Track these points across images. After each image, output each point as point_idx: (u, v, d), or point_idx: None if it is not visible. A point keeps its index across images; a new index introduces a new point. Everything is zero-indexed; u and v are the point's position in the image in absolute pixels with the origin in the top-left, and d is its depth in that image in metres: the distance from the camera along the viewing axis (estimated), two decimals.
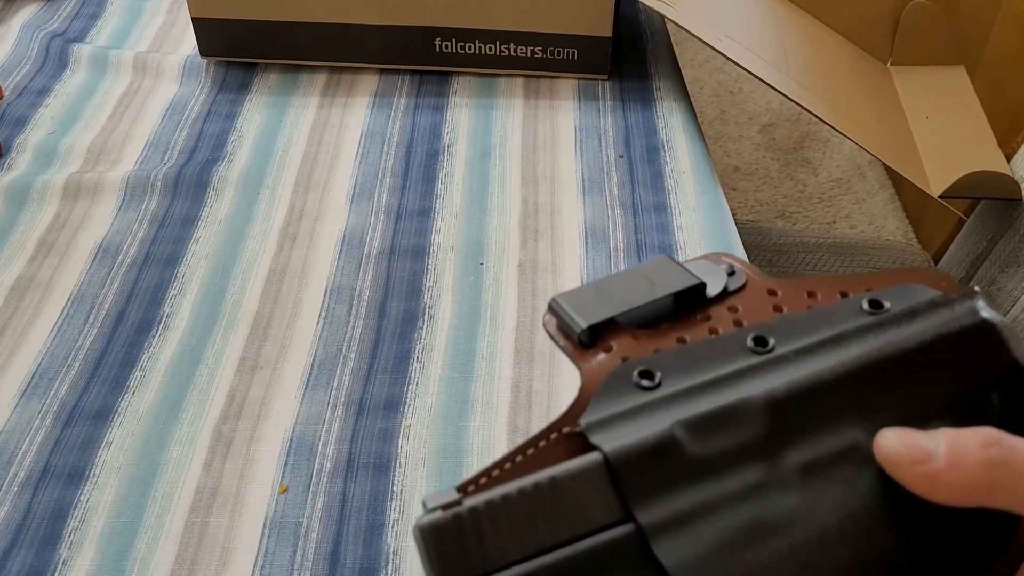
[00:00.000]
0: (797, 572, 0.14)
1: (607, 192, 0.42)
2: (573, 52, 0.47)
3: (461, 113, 0.46)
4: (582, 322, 0.18)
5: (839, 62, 0.54)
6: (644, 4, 0.43)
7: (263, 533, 0.28)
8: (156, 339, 0.35)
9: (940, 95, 0.55)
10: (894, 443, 0.15)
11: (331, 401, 0.32)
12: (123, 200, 0.41)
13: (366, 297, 0.36)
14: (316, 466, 0.30)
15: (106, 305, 0.36)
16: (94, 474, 0.30)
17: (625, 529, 0.15)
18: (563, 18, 0.46)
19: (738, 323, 0.18)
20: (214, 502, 0.29)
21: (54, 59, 0.50)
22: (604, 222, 0.40)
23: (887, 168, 0.54)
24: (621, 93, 0.47)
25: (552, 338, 0.18)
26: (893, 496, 0.15)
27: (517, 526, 0.15)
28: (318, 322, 0.35)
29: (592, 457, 0.15)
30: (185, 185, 0.42)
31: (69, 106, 0.47)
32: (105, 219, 0.40)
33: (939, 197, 0.48)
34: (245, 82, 0.48)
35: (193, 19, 0.47)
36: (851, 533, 0.15)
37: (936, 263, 0.60)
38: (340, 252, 0.39)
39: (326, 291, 0.37)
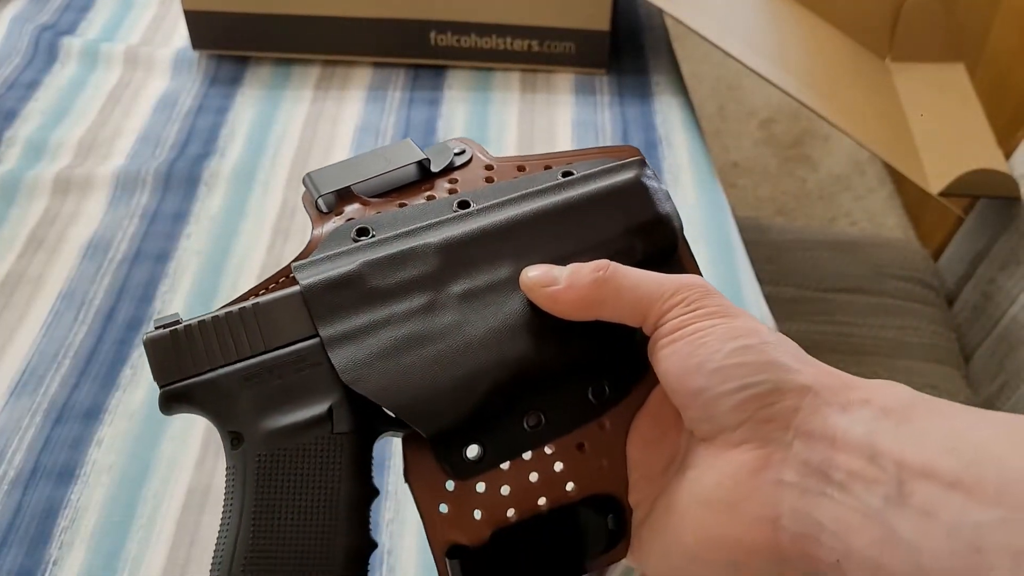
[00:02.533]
0: (442, 370, 0.19)
1: None
2: (570, 46, 0.47)
3: (456, 107, 0.46)
4: (320, 190, 0.21)
5: (838, 58, 0.54)
6: None
7: None
8: None
9: (939, 92, 0.55)
10: (532, 273, 0.20)
11: None
12: (114, 195, 0.41)
13: None
14: None
15: (96, 301, 0.36)
16: (85, 473, 0.30)
17: (311, 342, 0.19)
18: (560, 11, 0.45)
19: (453, 191, 0.22)
20: (207, 501, 0.29)
21: (44, 52, 0.49)
22: None
23: (887, 165, 0.54)
24: (619, 88, 0.47)
25: (305, 207, 0.21)
26: (531, 314, 0.19)
27: (224, 340, 0.19)
28: None
29: (293, 288, 0.19)
30: (176, 180, 0.41)
31: (59, 100, 0.46)
32: (95, 214, 0.40)
33: (938, 195, 0.47)
34: (237, 75, 0.48)
35: (185, 11, 0.46)
36: (494, 341, 0.19)
37: (936, 260, 0.60)
38: None
39: None
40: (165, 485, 0.29)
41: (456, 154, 0.22)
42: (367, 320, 0.19)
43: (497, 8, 0.45)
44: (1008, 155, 0.52)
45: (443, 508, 0.19)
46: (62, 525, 0.28)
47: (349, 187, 0.21)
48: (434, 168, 0.22)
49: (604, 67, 0.47)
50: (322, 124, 0.45)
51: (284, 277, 0.20)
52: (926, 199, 0.48)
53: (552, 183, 0.21)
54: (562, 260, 0.20)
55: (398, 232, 0.20)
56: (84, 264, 0.37)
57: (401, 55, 0.48)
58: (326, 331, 0.19)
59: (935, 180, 0.48)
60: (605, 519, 0.19)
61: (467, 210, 0.21)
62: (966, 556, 0.15)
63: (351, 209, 0.21)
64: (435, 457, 0.19)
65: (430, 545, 0.19)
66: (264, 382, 0.18)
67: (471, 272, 0.20)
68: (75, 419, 0.31)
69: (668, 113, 0.45)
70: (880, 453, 0.16)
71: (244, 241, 0.39)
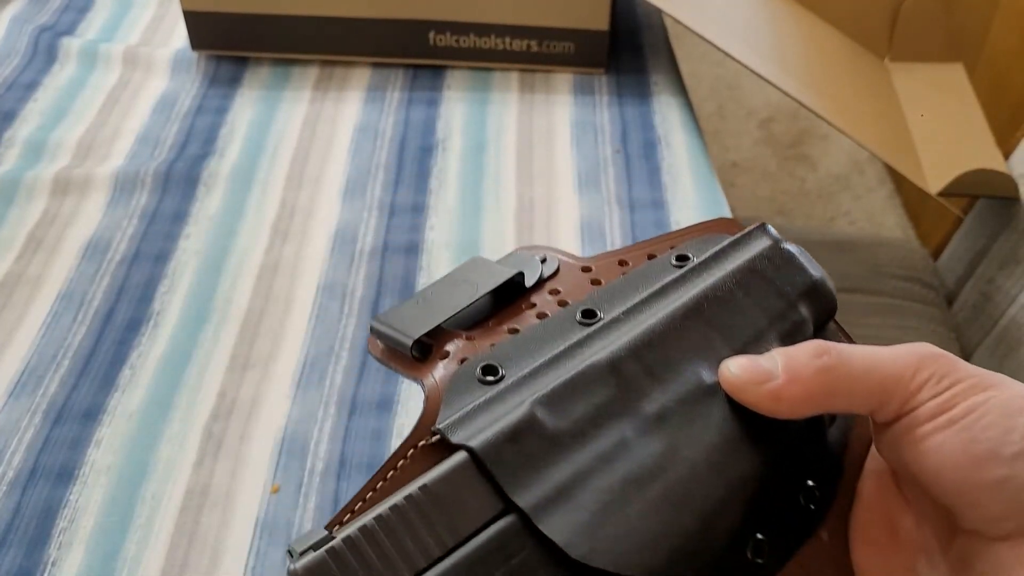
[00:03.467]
0: (678, 510, 0.15)
1: (603, 188, 0.41)
2: (569, 46, 0.47)
3: (455, 107, 0.46)
4: (409, 338, 0.18)
5: (837, 58, 0.54)
6: None
7: (254, 533, 0.28)
8: (146, 337, 0.34)
9: (938, 92, 0.55)
10: (736, 370, 0.17)
11: (323, 400, 0.32)
12: (113, 195, 0.41)
13: (359, 294, 0.36)
14: (308, 466, 0.30)
15: (95, 302, 0.36)
16: (83, 474, 0.30)
17: (510, 518, 0.15)
18: (559, 11, 0.45)
19: (563, 303, 0.19)
20: (205, 502, 0.29)
21: (43, 53, 0.49)
22: (600, 218, 0.40)
23: (886, 165, 0.54)
24: (618, 87, 0.47)
25: (381, 362, 0.18)
26: (745, 420, 0.17)
27: (400, 542, 0.14)
28: (310, 319, 0.35)
29: (458, 456, 0.15)
30: (175, 180, 0.41)
31: (58, 100, 0.46)
32: (94, 215, 0.40)
33: (937, 195, 0.47)
34: (236, 76, 0.48)
35: (184, 12, 0.46)
36: (717, 462, 0.16)
37: (935, 260, 0.60)
38: (332, 248, 0.38)
39: (318, 288, 0.36)
40: (163, 486, 0.29)
41: (541, 262, 0.20)
42: (566, 473, 0.15)
43: (496, 8, 0.45)
44: (1007, 155, 0.52)
45: None
46: (61, 525, 0.28)
47: (439, 324, 0.18)
48: (528, 283, 0.19)
49: (603, 67, 0.47)
50: (321, 124, 0.45)
51: (415, 448, 0.16)
52: (925, 199, 0.48)
53: (684, 270, 0.19)
54: (746, 348, 0.17)
55: (540, 361, 0.17)
56: (83, 264, 0.37)
57: (400, 55, 0.48)
58: (524, 499, 0.15)
59: (934, 180, 0.48)
60: None
61: (603, 319, 0.18)
62: None
63: (455, 347, 0.18)
64: None
65: None
66: None
67: (656, 385, 0.16)
68: (74, 420, 0.31)
69: (667, 113, 0.45)
70: None
71: (243, 241, 0.39)
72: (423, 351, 0.18)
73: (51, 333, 0.34)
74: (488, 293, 0.19)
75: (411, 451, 0.16)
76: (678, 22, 0.43)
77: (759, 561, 0.16)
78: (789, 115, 1.11)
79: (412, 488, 0.15)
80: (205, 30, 0.47)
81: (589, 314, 0.18)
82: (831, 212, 1.00)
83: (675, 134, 0.44)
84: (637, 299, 0.18)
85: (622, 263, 0.20)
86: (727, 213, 0.40)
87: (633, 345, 0.17)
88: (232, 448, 0.31)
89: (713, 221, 0.21)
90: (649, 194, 0.41)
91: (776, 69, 0.45)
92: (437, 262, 0.37)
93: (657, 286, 0.18)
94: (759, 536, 0.16)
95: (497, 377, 0.17)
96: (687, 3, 0.44)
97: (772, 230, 0.19)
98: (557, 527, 0.14)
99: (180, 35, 0.51)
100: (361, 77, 0.48)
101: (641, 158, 0.43)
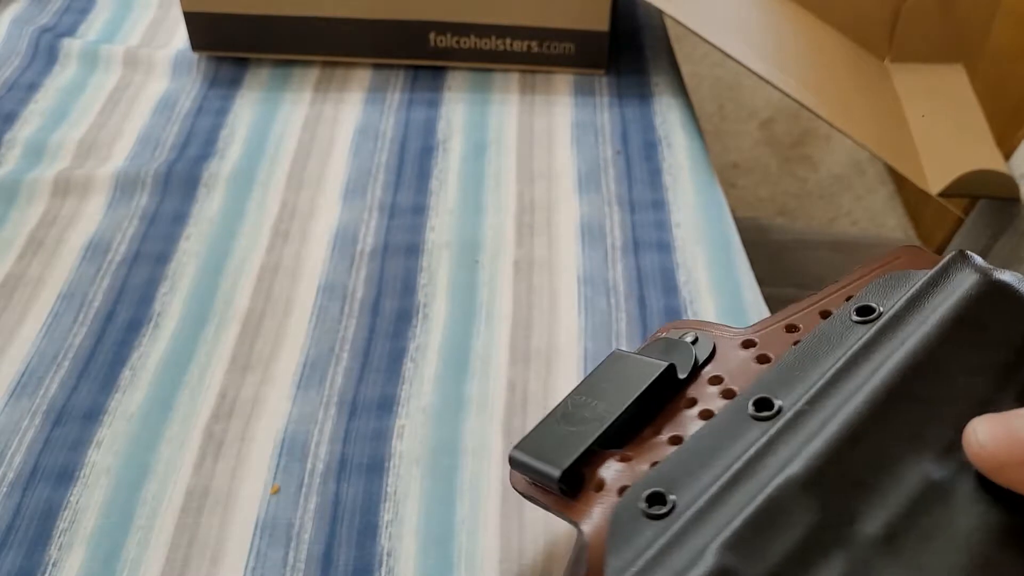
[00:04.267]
0: None
1: (604, 188, 0.41)
2: (569, 47, 0.47)
3: (456, 108, 0.46)
4: (556, 470, 0.15)
5: (837, 59, 0.54)
6: None
7: (255, 534, 0.28)
8: (146, 337, 0.34)
9: (938, 93, 0.55)
10: (986, 439, 0.13)
11: (324, 401, 0.32)
12: (113, 197, 0.41)
13: (359, 295, 0.36)
14: (308, 467, 0.30)
15: (96, 303, 0.36)
16: (84, 474, 0.30)
17: None
18: (559, 12, 0.45)
19: (728, 393, 0.15)
20: (205, 503, 0.29)
21: (43, 54, 0.49)
22: (601, 219, 0.40)
23: (887, 165, 0.54)
24: (618, 88, 0.47)
25: (527, 498, 0.15)
26: (1006, 511, 0.13)
27: None
28: (310, 320, 0.35)
29: None
30: (176, 181, 0.41)
31: (58, 101, 0.46)
32: (95, 216, 0.40)
33: (937, 195, 0.47)
34: (237, 77, 0.48)
35: (185, 13, 0.47)
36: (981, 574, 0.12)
37: None
38: (333, 249, 0.38)
39: (318, 289, 0.36)
40: (164, 486, 0.29)
41: (693, 343, 0.16)
42: None
43: (496, 9, 0.46)
44: (1007, 156, 0.52)
45: None
46: (61, 526, 0.28)
47: (589, 446, 0.15)
48: (681, 374, 0.16)
49: (603, 68, 0.47)
50: (321, 125, 0.45)
51: None
52: (926, 199, 0.48)
53: (870, 333, 0.15)
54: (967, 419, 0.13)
55: (717, 483, 0.13)
56: (83, 265, 0.37)
57: (400, 56, 0.48)
58: None
59: (935, 180, 0.48)
60: None
61: (783, 414, 0.14)
62: None
63: (611, 473, 0.15)
64: None
65: None
66: None
67: (870, 497, 0.13)
68: (74, 420, 0.31)
69: (668, 114, 0.45)
70: None
71: (243, 243, 0.39)
72: (574, 482, 0.15)
73: (51, 334, 0.34)
74: (637, 398, 0.15)
75: None
76: (678, 23, 0.43)
77: None
78: (790, 116, 1.11)
79: None
80: (205, 31, 0.47)
81: (764, 405, 0.15)
82: (832, 212, 1.00)
83: (676, 135, 0.44)
84: (821, 379, 0.14)
85: (790, 328, 0.16)
86: (728, 214, 0.40)
87: (830, 447, 0.13)
88: (232, 449, 0.31)
89: (885, 258, 0.17)
90: (650, 195, 0.41)
91: (776, 70, 0.45)
92: (438, 262, 0.38)
93: (843, 358, 0.14)
94: None
95: (667, 508, 0.14)
96: (688, 4, 0.44)
97: (977, 259, 0.16)
98: None
99: (180, 36, 0.51)
100: (362, 78, 0.48)
101: (642, 159, 0.43)
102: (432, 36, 0.47)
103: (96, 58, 0.49)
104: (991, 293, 0.15)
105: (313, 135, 0.44)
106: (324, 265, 0.37)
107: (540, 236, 0.39)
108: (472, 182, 0.42)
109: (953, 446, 0.14)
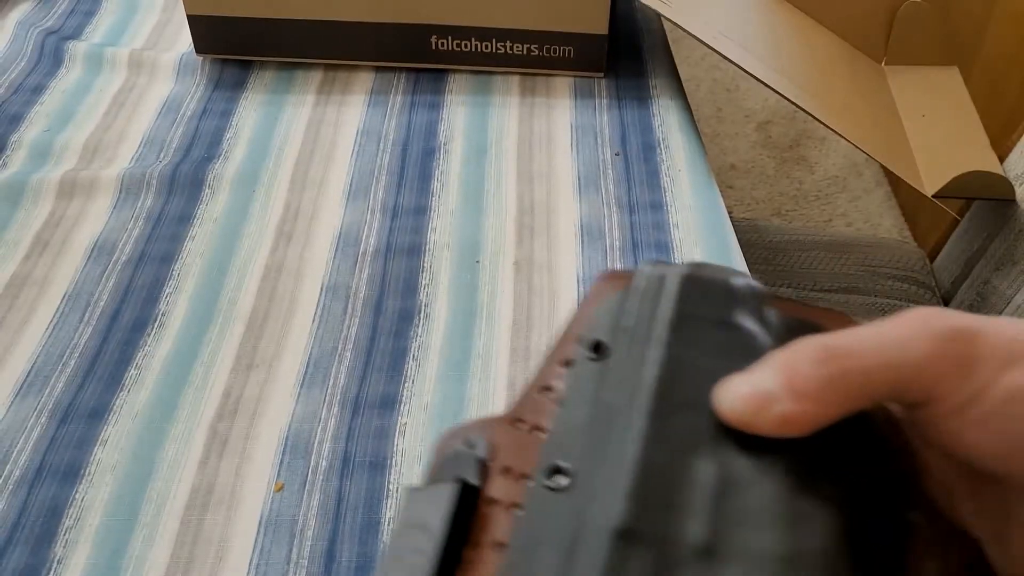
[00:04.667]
0: None
1: (603, 190, 0.42)
2: (569, 50, 0.47)
3: (457, 111, 0.46)
4: None
5: (834, 61, 0.54)
6: (640, 2, 0.43)
7: (259, 531, 0.29)
8: (151, 337, 0.35)
9: (934, 95, 0.55)
10: (732, 402, 0.14)
11: (327, 399, 0.32)
12: (118, 198, 0.41)
13: (362, 295, 0.36)
14: (312, 464, 0.30)
15: (101, 303, 0.36)
16: (89, 472, 0.30)
17: None
18: (559, 16, 0.46)
19: (522, 476, 0.15)
20: (210, 500, 0.29)
21: (49, 56, 0.49)
22: (600, 220, 0.40)
23: (883, 166, 0.55)
24: (617, 91, 0.47)
25: None
26: (783, 459, 0.14)
27: None
28: (314, 320, 0.35)
29: None
30: (180, 183, 0.42)
31: (64, 103, 0.47)
32: (100, 217, 0.40)
33: (933, 196, 0.48)
34: (241, 80, 0.48)
35: (188, 16, 0.47)
36: (796, 540, 0.13)
37: (932, 261, 0.60)
38: (336, 250, 0.39)
39: (322, 289, 0.37)
40: (168, 484, 0.30)
41: (471, 448, 0.16)
42: None
43: (497, 13, 0.46)
44: (1002, 157, 0.52)
45: None
46: (67, 524, 0.29)
47: None
48: (475, 481, 0.15)
49: (602, 71, 0.48)
50: (324, 128, 0.45)
51: None
52: (922, 200, 0.49)
53: (612, 364, 0.15)
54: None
55: (555, 566, 0.13)
56: (89, 266, 0.38)
57: (402, 59, 0.48)
58: None
59: (930, 182, 0.49)
60: None
61: (574, 473, 0.14)
62: None
63: None
64: None
65: None
66: None
67: (682, 513, 0.13)
68: (80, 419, 0.32)
69: (666, 116, 0.46)
70: None
71: (247, 243, 0.39)
72: None
73: (57, 333, 0.35)
74: (444, 532, 0.14)
75: None
76: (677, 26, 0.44)
77: None
78: (787, 118, 1.12)
79: None
80: (209, 34, 0.48)
81: (555, 473, 0.15)
82: (828, 214, 1.01)
83: (674, 137, 0.44)
84: (591, 425, 0.15)
85: (544, 390, 0.16)
86: (725, 215, 0.40)
87: (627, 490, 0.14)
88: (237, 447, 0.31)
89: (597, 282, 0.17)
90: (648, 196, 0.41)
91: (773, 72, 0.45)
92: (439, 263, 0.38)
93: (599, 402, 0.15)
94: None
95: None
96: (685, 7, 0.44)
97: (650, 267, 0.17)
98: None
99: (185, 39, 0.51)
100: (364, 81, 0.48)
101: (640, 160, 0.43)
102: (434, 40, 0.47)
103: (101, 60, 0.49)
104: (689, 284, 0.16)
105: (316, 137, 0.45)
106: (327, 265, 0.38)
107: (540, 237, 0.39)
108: (473, 184, 0.42)
109: (718, 433, 0.14)
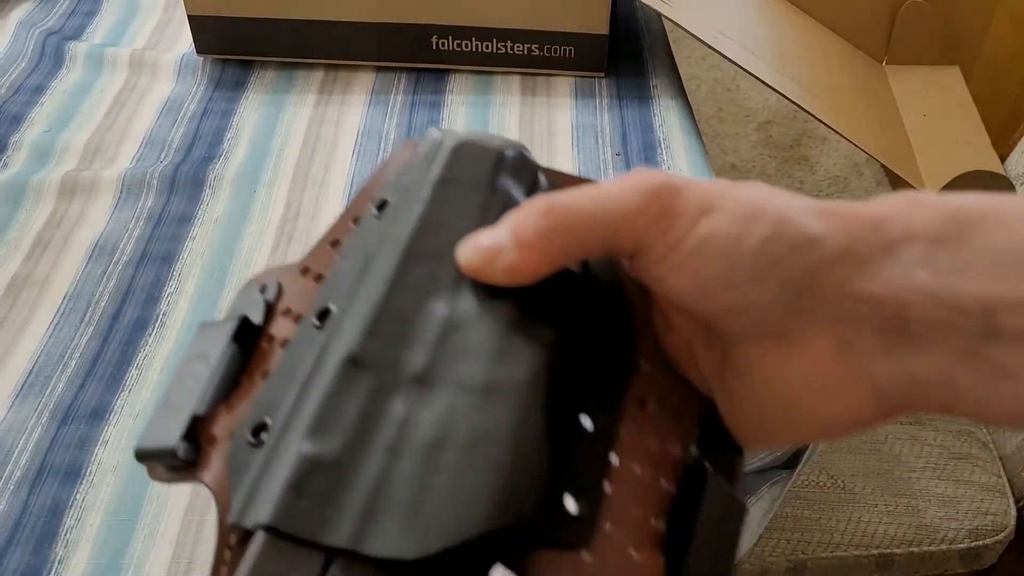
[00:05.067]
0: (486, 448, 0.14)
1: None
2: (570, 50, 0.47)
3: (458, 111, 0.46)
4: (171, 442, 0.16)
5: (835, 61, 0.54)
6: (641, 2, 0.43)
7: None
8: (152, 337, 0.35)
9: (935, 95, 0.55)
10: (467, 254, 0.16)
11: None
12: (119, 198, 0.41)
13: None
14: None
15: (102, 303, 0.36)
16: (90, 472, 0.30)
17: (338, 562, 0.14)
18: (560, 16, 0.46)
19: (299, 318, 0.17)
20: (211, 500, 0.29)
21: (50, 57, 0.49)
22: None
23: (884, 166, 0.55)
24: (618, 91, 0.47)
25: (173, 481, 0.17)
26: (506, 317, 0.15)
27: None
28: None
29: (258, 539, 0.14)
30: (181, 183, 0.42)
31: (65, 104, 0.47)
32: (101, 217, 0.40)
33: None
34: (241, 79, 0.48)
35: (189, 16, 0.47)
36: (503, 379, 0.15)
37: None
38: None
39: None
40: (170, 485, 0.30)
41: (262, 291, 0.18)
42: (365, 487, 0.14)
43: (498, 13, 0.46)
44: (1003, 157, 0.52)
45: None
46: (68, 524, 0.29)
47: (193, 415, 0.16)
48: (257, 320, 0.18)
49: (603, 71, 0.48)
50: (325, 128, 0.45)
51: (230, 548, 0.15)
52: None
53: (385, 218, 0.17)
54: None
55: (296, 392, 0.15)
56: (90, 266, 0.38)
57: (403, 59, 0.48)
58: (338, 537, 0.14)
59: (931, 181, 0.49)
60: (728, 453, 0.17)
61: (335, 313, 0.16)
62: None
63: (219, 427, 0.16)
64: (548, 546, 0.14)
65: None
66: None
67: (405, 349, 0.15)
68: (81, 419, 0.32)
69: (667, 116, 0.46)
70: (953, 293, 0.14)
71: (248, 244, 0.39)
72: (192, 448, 0.16)
73: (58, 334, 0.35)
74: (221, 358, 0.17)
75: (227, 553, 0.15)
76: (677, 26, 0.44)
77: (593, 430, 0.16)
78: (787, 117, 1.12)
79: None
80: (210, 34, 0.48)
81: (323, 315, 0.17)
82: None
83: (675, 137, 0.44)
84: (357, 273, 0.17)
85: (334, 244, 0.18)
86: None
87: (365, 325, 0.15)
88: None
89: (399, 147, 0.20)
90: None
91: (774, 72, 0.45)
92: None
93: (368, 250, 0.17)
94: (586, 407, 0.16)
95: (269, 432, 0.15)
96: (686, 7, 0.44)
97: (437, 132, 0.19)
98: (382, 543, 0.14)
99: (185, 39, 0.51)
100: (365, 81, 0.48)
101: (641, 160, 0.43)
102: (434, 40, 0.47)
103: (102, 61, 0.49)
104: (459, 150, 0.18)
105: (317, 137, 0.45)
106: None
107: None
108: None
109: (457, 281, 0.16)
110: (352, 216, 0.19)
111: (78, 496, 0.29)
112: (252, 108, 0.46)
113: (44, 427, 0.32)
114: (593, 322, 0.17)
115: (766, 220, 0.15)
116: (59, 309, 0.36)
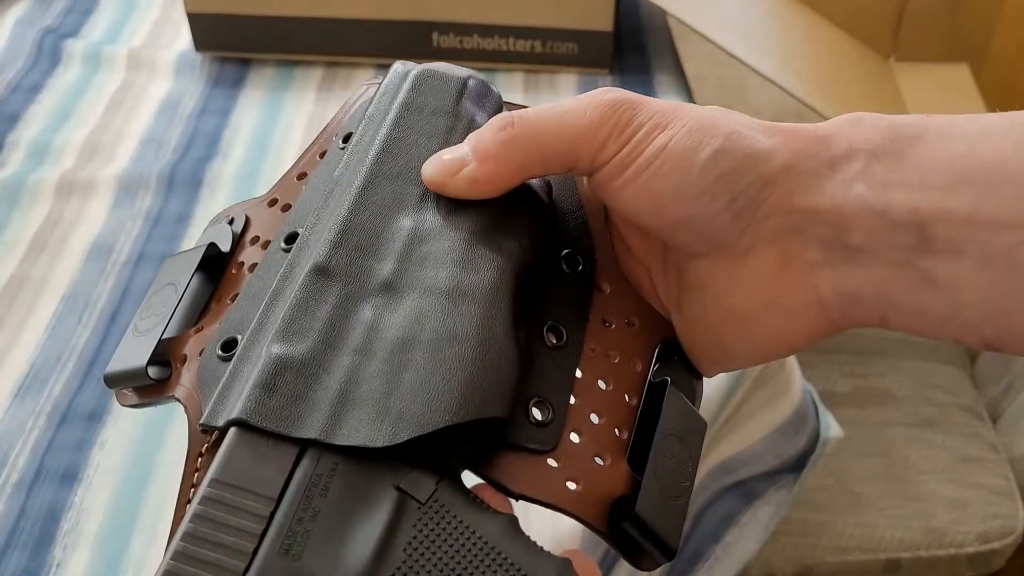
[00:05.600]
0: (452, 345, 0.15)
1: None
2: (573, 46, 0.46)
3: None
4: (142, 362, 0.17)
5: (842, 58, 0.53)
6: None
7: None
8: None
9: (943, 92, 0.55)
10: (431, 168, 0.17)
11: None
12: (117, 198, 0.41)
13: None
14: None
15: (100, 304, 0.36)
16: (88, 475, 0.30)
17: (309, 453, 0.14)
18: (563, 12, 0.45)
19: (266, 244, 0.18)
20: None
21: (47, 55, 0.49)
22: None
23: None
24: (622, 88, 0.47)
25: (138, 406, 0.17)
26: (469, 227, 0.16)
27: (220, 543, 0.13)
28: None
29: (230, 434, 0.14)
30: (179, 182, 0.41)
31: (62, 103, 0.46)
32: (99, 217, 0.40)
33: None
34: (240, 77, 0.48)
35: (188, 14, 0.47)
36: (467, 283, 0.15)
37: None
38: None
39: None
40: (168, 487, 0.29)
41: (230, 223, 0.19)
42: (334, 384, 0.14)
43: (500, 9, 0.45)
44: None
45: (570, 486, 0.15)
46: (65, 527, 0.28)
47: (162, 338, 0.17)
48: (225, 247, 0.18)
49: (607, 67, 0.47)
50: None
51: (201, 456, 0.15)
52: None
53: (351, 146, 0.18)
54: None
55: (264, 303, 0.16)
56: (87, 266, 0.37)
57: (403, 56, 0.48)
58: (308, 430, 0.14)
59: None
60: (687, 367, 0.17)
61: (302, 235, 0.17)
62: (1004, 280, 0.14)
63: (190, 346, 0.17)
64: (514, 449, 0.15)
65: (595, 531, 0.15)
66: (307, 531, 0.13)
67: (372, 259, 0.16)
68: (78, 421, 0.31)
69: None
70: (888, 206, 0.15)
71: None
72: (163, 369, 0.17)
73: (56, 335, 0.34)
74: (191, 282, 0.18)
75: (199, 460, 0.15)
76: (682, 23, 0.43)
77: (559, 344, 0.16)
78: (794, 115, 1.11)
79: (203, 488, 0.14)
80: (209, 32, 0.47)
81: (291, 238, 0.17)
82: None
83: None
84: (324, 199, 0.17)
85: (300, 176, 0.19)
86: None
87: (332, 238, 0.16)
88: None
89: (361, 88, 0.20)
90: None
91: (781, 69, 0.45)
92: None
93: (334, 175, 0.18)
94: (551, 322, 0.17)
95: (237, 346, 0.16)
96: (691, 4, 0.44)
97: (401, 65, 0.19)
98: (352, 432, 0.14)
99: (184, 37, 0.51)
100: (365, 78, 0.48)
101: None
102: (435, 36, 0.47)
103: (99, 59, 0.49)
104: (423, 78, 0.19)
105: (317, 135, 0.44)
106: None
107: None
108: None
109: (423, 198, 0.17)
110: (319, 151, 0.20)
111: (76, 499, 0.29)
112: (250, 106, 0.46)
113: (41, 429, 0.31)
114: (556, 242, 0.18)
115: (717, 134, 0.16)
116: (56, 310, 0.36)
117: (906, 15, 0.55)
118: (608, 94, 0.17)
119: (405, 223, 0.17)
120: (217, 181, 0.42)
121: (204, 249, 0.18)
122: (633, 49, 0.50)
